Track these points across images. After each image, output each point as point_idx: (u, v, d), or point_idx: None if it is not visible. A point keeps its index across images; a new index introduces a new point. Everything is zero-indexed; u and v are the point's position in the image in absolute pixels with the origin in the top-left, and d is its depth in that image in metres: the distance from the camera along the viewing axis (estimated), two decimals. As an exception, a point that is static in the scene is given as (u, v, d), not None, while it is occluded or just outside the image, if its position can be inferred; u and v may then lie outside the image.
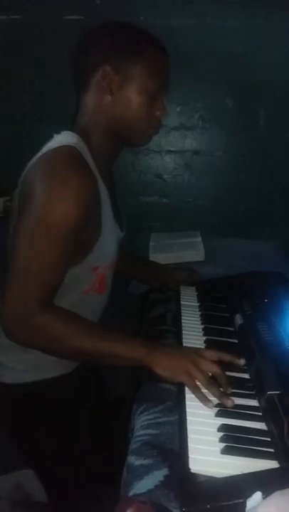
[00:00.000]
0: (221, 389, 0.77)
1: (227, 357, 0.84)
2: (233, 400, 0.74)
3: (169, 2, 1.73)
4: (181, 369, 0.79)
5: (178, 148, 1.87)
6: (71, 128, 0.95)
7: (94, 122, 0.94)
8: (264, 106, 1.80)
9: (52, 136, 0.92)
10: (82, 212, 0.82)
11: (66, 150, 0.86)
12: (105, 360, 0.87)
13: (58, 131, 0.93)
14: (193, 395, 0.77)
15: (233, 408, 0.74)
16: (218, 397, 0.75)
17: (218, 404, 0.75)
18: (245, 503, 0.52)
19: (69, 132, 0.92)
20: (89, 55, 0.93)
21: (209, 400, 0.75)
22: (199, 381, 0.77)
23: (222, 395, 0.75)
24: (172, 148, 1.87)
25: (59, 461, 0.99)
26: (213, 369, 0.79)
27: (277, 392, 0.73)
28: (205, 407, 0.74)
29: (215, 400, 0.75)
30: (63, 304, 0.87)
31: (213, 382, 0.77)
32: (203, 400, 0.75)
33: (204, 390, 0.77)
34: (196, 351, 0.83)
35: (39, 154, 0.89)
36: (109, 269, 1.00)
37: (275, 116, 1.81)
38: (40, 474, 1.05)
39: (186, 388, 0.78)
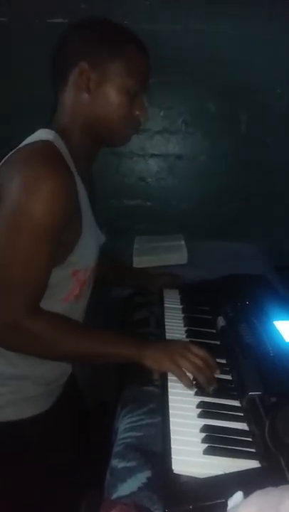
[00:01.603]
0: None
1: (210, 360, 0.84)
2: (215, 385, 0.79)
3: (153, 7, 1.74)
4: (168, 359, 0.81)
5: (161, 152, 1.87)
6: (47, 126, 0.90)
7: (71, 121, 0.90)
8: (246, 111, 1.82)
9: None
10: (61, 209, 0.79)
11: (42, 145, 0.82)
12: (97, 359, 0.87)
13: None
14: (176, 397, 0.77)
15: (215, 409, 0.75)
16: (203, 382, 0.78)
17: (201, 404, 0.76)
18: (227, 503, 0.52)
19: (44, 129, 0.87)
20: (66, 51, 0.90)
21: (193, 384, 0.79)
22: (187, 369, 0.80)
23: (206, 380, 0.79)
24: (156, 152, 1.87)
25: (38, 468, 0.94)
26: (199, 360, 0.81)
27: (259, 392, 0.74)
28: (188, 409, 0.75)
29: (195, 401, 0.77)
30: (49, 309, 0.85)
31: (199, 369, 0.80)
32: (189, 384, 0.79)
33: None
34: (183, 344, 0.86)
35: (13, 151, 0.85)
36: (89, 273, 0.97)
37: (256, 120, 1.83)
38: (17, 480, 1.01)
39: (169, 390, 0.79)
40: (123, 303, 1.36)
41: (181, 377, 0.80)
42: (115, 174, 1.88)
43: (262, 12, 1.73)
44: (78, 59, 0.87)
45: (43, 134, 0.86)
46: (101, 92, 0.88)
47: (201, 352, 0.83)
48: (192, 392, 0.79)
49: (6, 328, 0.80)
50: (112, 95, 0.87)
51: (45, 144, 0.83)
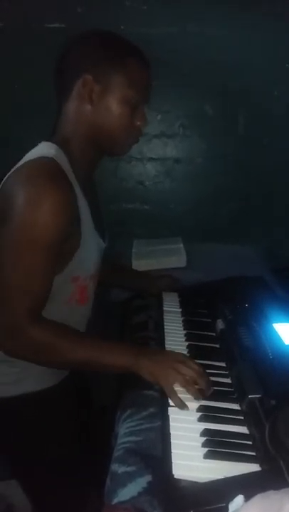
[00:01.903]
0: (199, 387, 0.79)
1: (202, 381, 0.81)
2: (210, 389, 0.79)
3: (150, 10, 1.75)
4: (162, 373, 0.81)
5: (159, 155, 1.88)
6: (51, 136, 0.94)
7: (74, 131, 0.93)
8: (243, 113, 1.83)
9: (35, 145, 0.92)
10: (62, 224, 0.83)
11: (44, 162, 0.86)
12: (95, 368, 0.88)
13: (41, 138, 0.93)
14: (176, 401, 0.77)
15: (215, 412, 0.75)
16: (194, 396, 0.78)
17: (201, 408, 0.75)
18: (228, 507, 0.52)
19: (48, 143, 0.91)
20: (71, 63, 0.93)
21: (185, 404, 0.77)
22: (178, 382, 0.79)
23: (197, 393, 0.78)
24: (154, 156, 1.88)
25: (42, 471, 0.98)
26: (192, 373, 0.80)
27: (258, 395, 0.74)
28: (188, 413, 0.75)
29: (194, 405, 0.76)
30: (47, 314, 0.87)
31: (190, 382, 0.79)
32: (180, 403, 0.77)
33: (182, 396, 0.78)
34: (177, 358, 0.84)
35: (18, 165, 0.88)
36: (90, 280, 0.99)
37: (253, 123, 1.84)
38: (23, 484, 1.04)
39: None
40: (122, 306, 1.36)
41: (171, 395, 0.78)
42: (113, 178, 1.88)
43: (259, 14, 1.74)
44: (82, 71, 0.90)
45: (45, 149, 0.89)
46: (104, 104, 0.91)
47: (196, 367, 0.82)
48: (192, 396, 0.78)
49: (8, 336, 0.84)
50: (114, 106, 0.91)
51: (47, 160, 0.86)
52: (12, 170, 0.88)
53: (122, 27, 1.73)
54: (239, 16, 1.74)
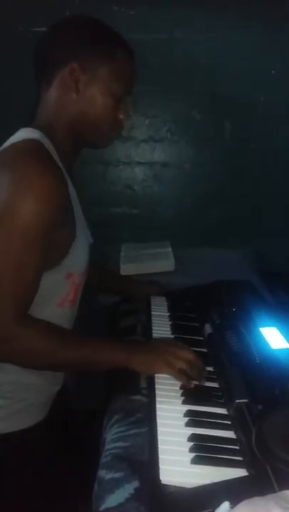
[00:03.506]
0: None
1: (199, 362, 0.84)
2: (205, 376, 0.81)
3: (139, 16, 1.76)
4: (159, 362, 0.81)
5: (147, 160, 1.89)
6: (30, 125, 0.89)
7: (56, 119, 0.89)
8: (229, 118, 1.85)
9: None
10: (52, 211, 0.77)
11: (28, 144, 0.80)
12: (87, 367, 0.86)
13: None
14: (163, 406, 0.77)
15: (202, 417, 0.75)
16: (198, 379, 0.81)
17: (188, 413, 0.76)
18: (214, 513, 0.52)
19: (28, 128, 0.86)
20: (56, 49, 0.89)
21: (191, 382, 0.80)
22: (180, 366, 0.81)
23: (200, 375, 0.81)
24: (142, 160, 1.89)
25: (26, 479, 0.92)
26: (190, 355, 0.82)
27: (245, 400, 0.74)
28: (175, 418, 0.74)
29: (182, 410, 0.76)
30: (43, 316, 0.84)
31: (193, 365, 0.81)
32: (188, 382, 0.79)
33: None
34: (169, 342, 0.87)
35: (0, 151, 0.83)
36: (82, 278, 0.95)
37: (240, 128, 1.86)
38: (5, 492, 1.00)
39: (157, 399, 0.78)
40: (110, 310, 1.36)
41: (180, 378, 0.80)
42: (102, 182, 1.88)
43: (246, 21, 1.76)
44: (69, 59, 0.86)
45: (28, 133, 0.84)
46: (89, 94, 0.88)
47: (186, 347, 0.85)
48: (179, 401, 0.78)
49: None
50: (99, 97, 0.88)
51: (33, 142, 0.81)
52: None
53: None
54: (226, 22, 1.77)
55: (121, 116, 0.92)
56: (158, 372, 0.82)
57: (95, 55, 0.87)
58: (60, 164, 0.86)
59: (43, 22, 1.74)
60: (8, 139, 0.87)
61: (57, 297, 0.89)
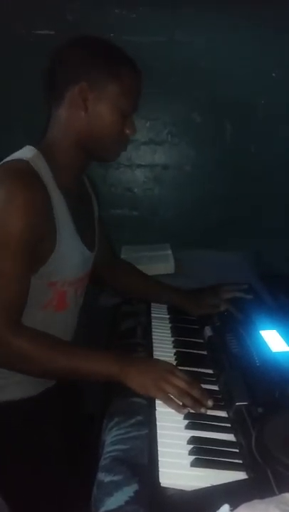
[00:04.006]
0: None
1: (196, 391, 0.79)
2: (208, 406, 0.77)
3: (139, 19, 1.77)
4: (153, 384, 0.80)
5: (148, 162, 1.89)
6: (40, 140, 0.95)
7: (64, 136, 0.94)
8: (230, 120, 1.85)
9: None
10: (33, 222, 0.83)
11: (14, 164, 0.87)
12: (79, 377, 0.87)
13: (26, 143, 0.93)
14: (163, 409, 0.77)
15: (202, 420, 0.75)
16: (192, 407, 0.76)
17: (188, 416, 0.75)
18: (214, 516, 0.52)
19: (29, 146, 0.93)
20: (66, 69, 0.93)
21: (182, 407, 0.76)
22: (171, 394, 0.78)
23: (195, 404, 0.77)
24: (142, 163, 1.89)
25: (23, 481, 0.95)
26: (182, 382, 0.79)
27: (245, 403, 0.74)
28: (175, 421, 0.74)
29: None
30: (26, 320, 0.86)
31: (185, 392, 0.78)
32: (178, 408, 0.77)
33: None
34: (167, 367, 0.84)
35: None
36: (70, 286, 0.98)
37: (241, 131, 1.86)
38: (5, 494, 1.01)
39: (157, 402, 0.79)
40: (110, 312, 1.36)
41: (168, 403, 0.78)
42: (102, 184, 1.88)
43: (246, 24, 1.76)
44: (78, 79, 0.90)
45: (23, 153, 0.91)
46: (97, 111, 0.92)
47: (185, 376, 0.81)
48: (179, 404, 0.78)
49: None
50: (107, 115, 0.92)
51: (18, 162, 0.88)
52: None
53: (111, 35, 1.74)
54: (227, 25, 1.77)
55: (127, 131, 0.95)
56: (150, 395, 0.80)
57: (103, 75, 0.91)
58: (52, 180, 0.91)
59: (44, 25, 1.76)
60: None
61: (38, 300, 0.92)
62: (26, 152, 0.91)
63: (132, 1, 1.74)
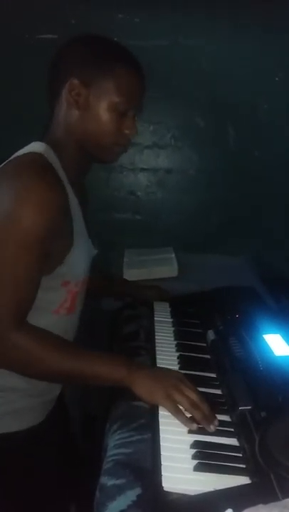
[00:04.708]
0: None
1: (205, 406, 0.76)
2: (215, 425, 0.73)
3: (142, 23, 1.78)
4: (162, 392, 0.77)
5: (151, 166, 1.89)
6: (41, 139, 0.91)
7: (63, 135, 0.91)
8: (233, 125, 1.86)
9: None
10: (50, 221, 0.78)
11: (32, 157, 0.83)
12: (84, 380, 0.84)
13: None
14: (166, 413, 0.76)
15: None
16: (201, 421, 0.73)
17: (192, 420, 0.75)
18: (217, 521, 0.52)
19: (37, 142, 0.88)
20: (59, 67, 0.91)
21: (192, 421, 0.73)
22: (182, 405, 0.75)
23: (204, 418, 0.73)
24: (145, 166, 1.89)
25: (24, 484, 0.92)
26: (194, 395, 0.77)
27: (249, 407, 0.74)
28: (178, 424, 0.74)
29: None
30: (38, 324, 0.83)
31: (196, 405, 0.75)
32: (187, 422, 0.73)
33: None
34: (177, 376, 0.81)
35: (4, 163, 0.85)
36: (80, 286, 0.95)
37: (243, 134, 1.87)
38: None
39: (160, 406, 0.78)
40: (113, 315, 1.36)
41: (177, 415, 0.74)
42: (105, 188, 1.89)
43: (248, 27, 1.77)
44: (69, 75, 0.87)
45: (34, 147, 0.87)
46: (91, 109, 0.88)
47: (196, 388, 0.79)
48: (182, 408, 0.78)
49: None
50: (102, 112, 0.88)
51: (35, 155, 0.83)
52: None
53: (114, 38, 1.75)
54: (229, 29, 1.78)
55: (126, 131, 0.91)
56: (157, 403, 0.77)
57: (94, 70, 0.87)
58: (64, 176, 0.88)
59: (47, 29, 1.77)
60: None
61: (52, 305, 0.89)
62: (37, 146, 0.86)
63: (135, 6, 1.75)
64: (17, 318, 0.78)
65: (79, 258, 0.91)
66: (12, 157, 0.86)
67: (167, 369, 0.86)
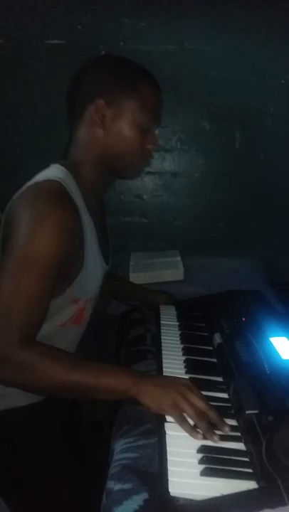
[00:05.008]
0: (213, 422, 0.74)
1: (213, 414, 0.75)
2: (225, 429, 0.73)
3: (148, 28, 1.78)
4: (168, 401, 0.76)
5: (157, 169, 1.90)
6: (63, 159, 0.95)
7: (85, 154, 0.94)
8: (240, 129, 1.86)
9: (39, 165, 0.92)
10: (62, 247, 0.81)
11: (49, 185, 0.86)
12: (90, 393, 0.83)
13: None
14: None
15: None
16: (204, 432, 0.72)
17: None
18: (224, 526, 0.52)
19: (57, 165, 0.92)
20: (82, 88, 0.93)
21: (198, 431, 0.72)
22: (187, 413, 0.74)
23: (208, 430, 0.72)
24: (152, 170, 1.90)
25: (31, 488, 0.94)
26: (201, 402, 0.76)
27: (256, 411, 0.73)
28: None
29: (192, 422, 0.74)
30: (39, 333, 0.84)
31: (202, 413, 0.74)
32: (192, 432, 0.72)
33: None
34: (184, 383, 0.80)
35: (24, 187, 0.88)
36: (90, 302, 0.98)
37: (250, 138, 1.87)
38: (10, 502, 0.99)
39: (166, 414, 0.77)
40: (119, 319, 1.36)
41: (182, 424, 0.73)
42: (112, 192, 1.89)
43: (256, 33, 1.77)
44: (94, 96, 0.91)
45: (53, 172, 0.90)
46: (116, 128, 0.92)
47: (203, 396, 0.78)
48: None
49: None
50: (126, 131, 0.91)
51: (52, 183, 0.86)
52: (19, 191, 0.88)
53: (121, 43, 1.77)
54: (235, 33, 1.78)
55: (148, 146, 0.94)
56: (163, 412, 0.76)
57: (118, 90, 0.91)
58: (81, 200, 0.91)
59: (55, 34, 1.78)
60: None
61: (59, 319, 0.92)
62: (56, 172, 0.90)
63: (142, 11, 1.76)
64: (25, 339, 0.78)
65: (89, 278, 0.93)
66: (32, 182, 0.89)
67: (174, 377, 0.85)
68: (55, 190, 0.85)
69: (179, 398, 0.75)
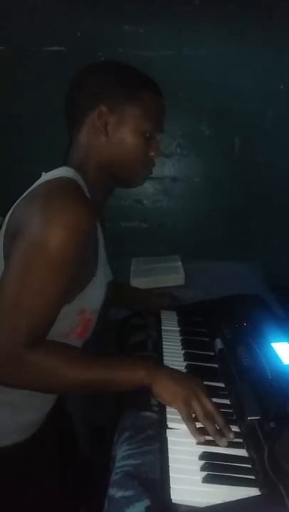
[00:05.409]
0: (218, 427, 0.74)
1: (221, 419, 0.75)
2: (231, 438, 0.73)
3: (147, 34, 1.79)
4: (182, 396, 0.76)
5: (157, 174, 1.90)
6: (64, 164, 0.91)
7: (87, 161, 0.91)
8: (239, 134, 1.86)
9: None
10: (79, 245, 0.77)
11: (65, 181, 0.82)
12: (104, 387, 0.82)
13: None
14: (174, 424, 0.76)
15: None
16: (213, 434, 0.72)
17: (200, 431, 0.74)
18: (227, 533, 0.51)
19: (66, 167, 0.88)
20: (85, 94, 0.91)
21: (201, 433, 0.72)
22: (196, 413, 0.75)
23: (217, 432, 0.73)
24: (151, 175, 1.89)
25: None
26: (211, 406, 0.76)
27: (257, 417, 0.73)
28: (187, 435, 0.73)
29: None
30: None
31: (210, 416, 0.75)
32: (195, 432, 0.72)
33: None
34: (199, 383, 0.80)
35: (30, 189, 0.85)
36: (95, 314, 0.93)
37: (249, 143, 1.87)
38: None
39: (168, 416, 0.77)
40: (120, 325, 1.35)
41: (188, 423, 0.74)
42: (112, 197, 1.89)
43: (254, 37, 1.78)
44: (97, 103, 0.89)
45: (64, 171, 0.87)
46: (118, 135, 0.89)
47: (211, 401, 0.78)
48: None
49: (5, 362, 0.76)
50: (129, 138, 0.89)
51: (68, 179, 0.83)
52: (26, 192, 0.85)
53: (120, 50, 1.77)
54: (234, 38, 1.79)
55: (152, 153, 0.93)
56: (174, 405, 0.76)
57: (121, 97, 0.89)
58: (91, 204, 0.87)
59: (54, 40, 1.79)
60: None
61: (63, 328, 0.88)
62: (66, 171, 0.86)
63: (141, 17, 1.77)
64: (34, 341, 0.76)
65: (98, 286, 0.90)
66: (42, 180, 0.85)
67: (187, 373, 0.86)
68: (72, 187, 0.81)
69: (192, 396, 0.76)
